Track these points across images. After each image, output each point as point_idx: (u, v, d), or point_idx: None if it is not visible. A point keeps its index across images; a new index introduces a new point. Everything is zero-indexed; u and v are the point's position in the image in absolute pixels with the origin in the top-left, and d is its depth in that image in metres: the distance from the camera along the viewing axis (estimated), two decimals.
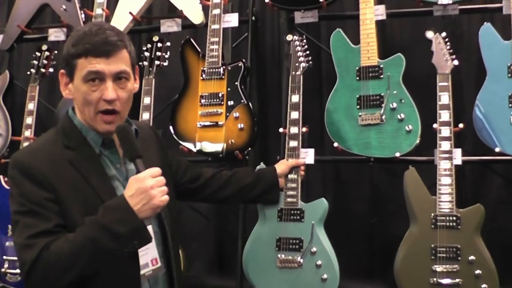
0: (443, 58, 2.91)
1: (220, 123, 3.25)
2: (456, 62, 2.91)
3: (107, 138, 1.95)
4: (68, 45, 1.92)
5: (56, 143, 1.92)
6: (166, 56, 3.56)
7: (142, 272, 1.96)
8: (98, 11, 3.77)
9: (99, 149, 1.95)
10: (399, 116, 2.96)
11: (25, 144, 3.75)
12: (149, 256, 1.98)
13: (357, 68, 3.09)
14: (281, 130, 3.12)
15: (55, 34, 4.06)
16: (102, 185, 1.91)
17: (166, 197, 1.87)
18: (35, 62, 3.95)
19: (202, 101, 3.30)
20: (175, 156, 2.53)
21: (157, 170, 1.89)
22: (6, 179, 3.71)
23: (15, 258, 3.47)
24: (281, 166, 2.90)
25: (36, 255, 1.76)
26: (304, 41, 3.16)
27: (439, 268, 2.74)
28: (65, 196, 1.84)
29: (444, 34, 2.95)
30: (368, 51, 3.08)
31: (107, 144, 1.95)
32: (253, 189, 2.78)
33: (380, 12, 3.22)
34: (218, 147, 3.24)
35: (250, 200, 2.89)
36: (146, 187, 1.83)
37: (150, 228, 1.91)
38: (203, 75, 3.34)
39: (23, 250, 1.80)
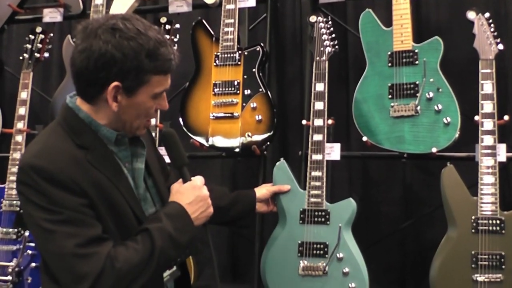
0: (486, 42, 2.92)
1: (235, 114, 3.28)
2: (501, 47, 2.92)
3: (120, 134, 1.98)
4: (137, 57, 1.85)
5: (67, 141, 1.92)
6: (175, 40, 3.58)
7: None
8: None
9: (112, 147, 1.99)
10: (436, 107, 2.98)
11: (18, 137, 3.79)
12: None
13: (389, 53, 3.10)
14: (304, 122, 3.14)
15: (51, 15, 4.09)
16: (124, 185, 1.97)
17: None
18: (28, 46, 3.97)
19: (216, 89, 3.34)
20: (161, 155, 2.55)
21: (203, 178, 2.08)
22: None
23: (5, 263, 3.52)
24: (261, 190, 2.90)
25: (102, 266, 1.79)
26: (330, 22, 3.18)
27: (480, 277, 2.76)
28: (95, 199, 1.88)
29: (487, 14, 2.96)
30: (402, 34, 3.10)
31: (118, 141, 1.99)
32: (228, 211, 2.72)
33: None
34: (233, 141, 3.28)
35: (221, 223, 2.81)
36: (205, 195, 2.04)
37: None
38: (217, 61, 3.37)
39: (77, 261, 1.80)
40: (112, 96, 1.88)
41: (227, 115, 3.30)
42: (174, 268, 2.11)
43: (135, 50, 1.84)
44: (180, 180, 2.06)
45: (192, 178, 2.06)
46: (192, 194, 2.01)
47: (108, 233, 1.89)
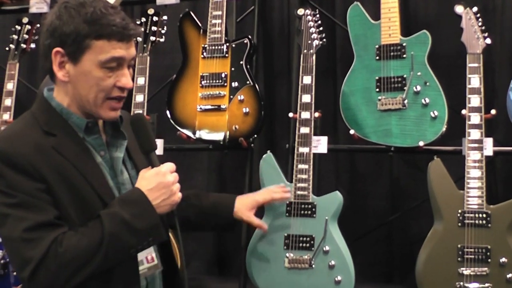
0: (474, 36, 2.92)
1: (222, 106, 3.27)
2: (488, 41, 2.92)
3: (91, 122, 1.96)
4: (74, 22, 1.86)
5: (35, 128, 1.90)
6: (163, 32, 3.56)
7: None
8: None
9: (83, 134, 1.97)
10: (423, 101, 2.97)
11: (2, 128, 3.77)
12: (143, 253, 2.02)
13: (377, 46, 3.10)
14: (290, 115, 3.13)
15: (37, 6, 4.07)
16: (92, 172, 1.93)
17: (180, 194, 1.97)
18: (15, 36, 3.96)
19: (203, 82, 3.32)
20: None
21: (172, 165, 1.99)
22: None
23: None
24: (243, 198, 2.69)
25: (45, 251, 1.76)
26: (317, 15, 3.17)
27: (466, 271, 2.76)
28: (55, 185, 1.84)
29: (475, 9, 2.96)
30: (390, 27, 3.09)
31: (89, 129, 1.97)
32: (201, 226, 2.67)
33: None
34: (220, 133, 3.27)
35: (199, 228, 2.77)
36: (168, 182, 1.93)
37: None
38: (204, 53, 3.36)
39: (23, 246, 1.78)
40: (57, 64, 1.89)
41: (214, 107, 3.29)
42: (155, 262, 2.06)
43: (72, 15, 1.86)
44: (150, 166, 2.03)
45: (162, 165, 1.98)
46: (154, 180, 1.93)
47: (68, 220, 1.85)
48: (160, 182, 1.93)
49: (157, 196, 1.91)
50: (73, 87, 1.92)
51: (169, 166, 1.98)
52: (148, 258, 2.05)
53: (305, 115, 3.01)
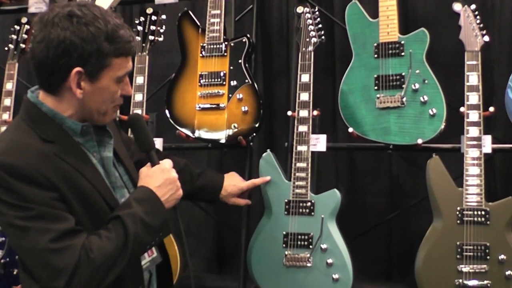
0: (472, 34, 2.91)
1: (221, 105, 3.26)
2: (486, 38, 2.92)
3: (85, 125, 1.96)
4: (97, 40, 1.84)
5: (32, 136, 1.89)
6: (161, 31, 3.55)
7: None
8: None
9: (78, 138, 1.96)
10: (422, 99, 2.97)
11: (3, 128, 3.76)
12: None
13: (375, 44, 3.09)
14: (289, 113, 3.13)
15: (36, 5, 4.06)
16: (93, 175, 1.95)
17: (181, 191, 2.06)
18: (14, 36, 3.94)
19: (202, 81, 3.32)
20: (128, 137, 2.53)
21: (171, 161, 2.06)
22: None
23: None
24: (230, 186, 2.87)
25: (77, 258, 1.78)
26: (317, 13, 3.17)
27: (465, 268, 2.76)
28: (66, 192, 1.86)
29: (473, 6, 2.95)
30: (388, 25, 3.08)
31: (83, 132, 1.97)
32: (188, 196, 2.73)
33: None
34: (219, 132, 3.26)
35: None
36: (174, 178, 2.02)
37: None
38: (203, 52, 3.35)
39: (53, 256, 1.79)
40: (76, 83, 1.87)
41: (213, 106, 3.28)
42: (155, 254, 2.12)
43: (93, 34, 1.84)
44: (149, 164, 2.05)
45: (160, 161, 2.05)
46: (161, 177, 1.99)
47: (81, 224, 1.87)
48: (167, 179, 2.00)
49: (165, 192, 1.98)
50: (83, 102, 1.92)
51: (169, 162, 2.05)
52: (148, 252, 2.10)
53: (303, 113, 3.00)
